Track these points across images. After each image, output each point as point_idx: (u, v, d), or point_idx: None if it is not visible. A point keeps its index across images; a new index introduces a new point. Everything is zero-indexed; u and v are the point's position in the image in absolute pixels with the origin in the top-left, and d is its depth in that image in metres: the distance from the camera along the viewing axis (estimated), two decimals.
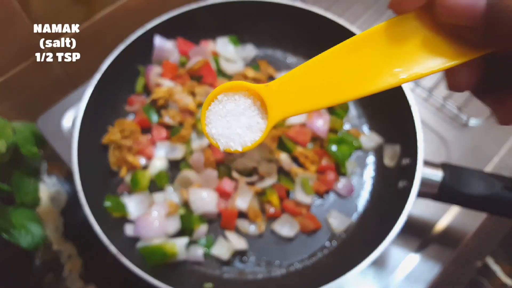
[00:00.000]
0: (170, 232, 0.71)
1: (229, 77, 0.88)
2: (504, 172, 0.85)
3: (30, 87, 0.95)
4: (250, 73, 0.87)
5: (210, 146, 0.78)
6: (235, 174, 0.75)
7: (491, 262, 0.90)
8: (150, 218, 0.70)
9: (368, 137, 0.83)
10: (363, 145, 0.82)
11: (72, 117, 0.87)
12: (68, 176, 0.94)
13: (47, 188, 0.91)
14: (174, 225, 0.71)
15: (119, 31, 0.88)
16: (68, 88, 1.02)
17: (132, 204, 0.74)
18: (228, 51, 0.89)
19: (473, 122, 0.90)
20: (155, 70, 0.84)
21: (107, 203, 0.71)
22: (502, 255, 0.91)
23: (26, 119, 0.97)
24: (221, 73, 0.88)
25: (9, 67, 0.87)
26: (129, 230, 0.72)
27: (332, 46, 0.33)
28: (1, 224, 0.69)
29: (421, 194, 0.68)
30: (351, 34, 0.80)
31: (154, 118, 0.82)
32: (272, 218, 0.75)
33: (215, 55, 0.88)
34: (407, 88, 0.75)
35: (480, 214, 0.80)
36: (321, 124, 0.79)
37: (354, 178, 0.80)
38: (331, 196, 0.79)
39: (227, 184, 0.74)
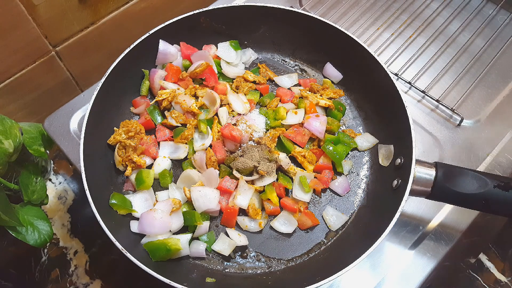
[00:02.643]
0: (173, 228, 0.73)
1: (230, 80, 0.91)
2: (497, 172, 0.87)
3: (37, 89, 0.97)
4: (250, 76, 0.90)
5: (212, 146, 0.81)
6: (236, 173, 0.78)
7: (484, 258, 0.92)
8: (154, 215, 0.72)
9: (364, 138, 0.85)
10: (358, 145, 0.84)
11: (79, 118, 0.89)
12: (74, 175, 0.96)
13: (54, 186, 0.94)
14: (177, 222, 0.74)
15: (124, 35, 0.90)
16: (75, 90, 1.04)
17: (137, 202, 0.76)
18: (229, 55, 0.92)
19: (466, 122, 0.92)
20: (159, 73, 0.87)
21: (113, 201, 0.74)
22: (495, 252, 0.93)
23: (34, 120, 0.99)
24: (222, 76, 0.91)
25: (16, 69, 0.89)
26: (134, 227, 0.74)
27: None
28: (9, 222, 0.71)
29: (414, 193, 0.70)
30: (348, 38, 0.82)
31: (158, 119, 0.84)
32: (271, 215, 0.78)
33: (217, 59, 0.91)
34: (401, 90, 0.77)
35: (473, 212, 0.82)
36: (318, 125, 0.82)
37: (350, 177, 0.83)
38: (328, 194, 0.81)
39: (228, 183, 0.77)
